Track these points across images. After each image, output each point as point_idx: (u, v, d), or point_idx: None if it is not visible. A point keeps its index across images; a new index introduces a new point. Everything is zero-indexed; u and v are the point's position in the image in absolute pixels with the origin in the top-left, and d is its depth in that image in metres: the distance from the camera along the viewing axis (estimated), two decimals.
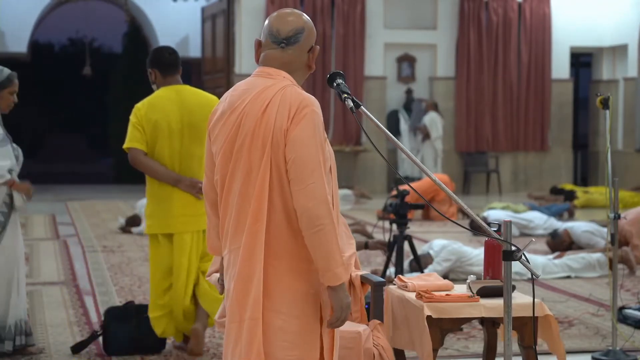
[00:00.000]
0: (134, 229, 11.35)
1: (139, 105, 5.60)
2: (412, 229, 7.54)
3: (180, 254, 5.51)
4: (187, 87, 5.65)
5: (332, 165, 3.34)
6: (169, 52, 5.66)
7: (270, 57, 3.32)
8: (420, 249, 8.05)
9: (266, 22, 3.36)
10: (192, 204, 5.51)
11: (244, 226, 3.22)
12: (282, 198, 3.20)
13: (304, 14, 3.36)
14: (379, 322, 4.24)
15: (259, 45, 3.36)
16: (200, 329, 5.58)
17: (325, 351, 3.29)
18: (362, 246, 6.01)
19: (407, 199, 6.69)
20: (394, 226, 6.71)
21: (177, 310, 5.57)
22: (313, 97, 3.25)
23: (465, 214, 11.83)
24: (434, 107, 16.51)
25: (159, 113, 5.51)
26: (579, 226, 9.63)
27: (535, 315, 4.29)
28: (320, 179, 3.14)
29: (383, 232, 6.69)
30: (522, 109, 17.58)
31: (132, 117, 5.55)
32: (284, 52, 3.30)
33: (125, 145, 5.53)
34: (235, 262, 3.26)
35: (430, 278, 4.68)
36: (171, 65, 5.61)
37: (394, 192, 6.81)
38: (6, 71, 5.59)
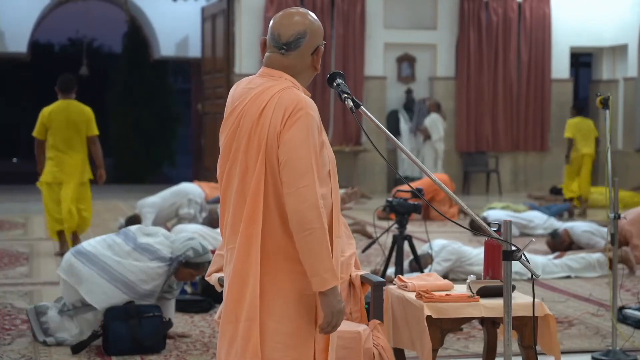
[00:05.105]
0: None
1: (45, 109, 9.38)
2: (412, 229, 7.53)
3: (67, 192, 9.44)
4: (74, 102, 9.46)
5: (332, 169, 3.29)
6: (67, 79, 9.48)
7: (272, 60, 3.31)
8: (420, 249, 8.05)
9: (271, 21, 3.34)
10: (75, 165, 9.41)
11: (239, 226, 3.22)
12: (277, 200, 3.18)
13: (310, 14, 3.30)
14: (379, 322, 4.24)
15: (264, 45, 3.36)
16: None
17: (318, 352, 3.26)
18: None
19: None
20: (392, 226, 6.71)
21: (69, 225, 9.46)
22: (310, 99, 3.22)
23: (465, 214, 11.83)
24: (437, 107, 16.47)
25: (56, 116, 9.33)
26: (579, 226, 9.63)
27: (535, 315, 4.30)
28: (311, 183, 3.11)
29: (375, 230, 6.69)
30: (522, 109, 17.57)
31: (39, 117, 9.34)
32: (285, 57, 3.28)
33: (33, 134, 9.43)
34: (231, 261, 3.26)
35: (430, 278, 4.68)
36: (65, 88, 9.44)
37: (394, 191, 6.84)
38: (205, 257, 5.92)
